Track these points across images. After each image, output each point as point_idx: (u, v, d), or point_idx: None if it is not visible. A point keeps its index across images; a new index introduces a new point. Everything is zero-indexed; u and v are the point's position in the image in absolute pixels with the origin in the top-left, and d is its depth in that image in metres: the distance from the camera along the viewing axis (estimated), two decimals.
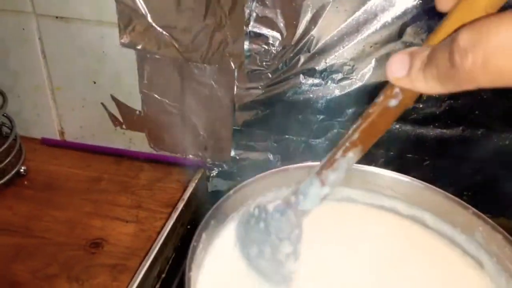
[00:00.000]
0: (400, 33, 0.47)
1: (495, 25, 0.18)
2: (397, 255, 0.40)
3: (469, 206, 0.38)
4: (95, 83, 0.61)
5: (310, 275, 0.38)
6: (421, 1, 0.46)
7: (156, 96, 0.59)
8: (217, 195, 0.54)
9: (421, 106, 0.50)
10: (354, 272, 0.38)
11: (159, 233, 0.51)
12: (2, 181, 0.57)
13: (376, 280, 0.38)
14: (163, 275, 0.50)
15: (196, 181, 0.60)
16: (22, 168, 0.60)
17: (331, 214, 0.42)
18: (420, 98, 0.50)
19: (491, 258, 0.37)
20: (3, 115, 0.60)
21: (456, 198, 0.39)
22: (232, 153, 0.61)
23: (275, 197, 0.43)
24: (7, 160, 0.57)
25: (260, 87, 0.55)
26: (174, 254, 0.53)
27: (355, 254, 0.40)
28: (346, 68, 0.50)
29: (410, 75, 0.23)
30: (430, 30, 0.47)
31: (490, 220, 0.37)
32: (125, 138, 0.64)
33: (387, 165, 0.53)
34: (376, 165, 0.53)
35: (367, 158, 0.54)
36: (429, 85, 0.22)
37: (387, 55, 0.49)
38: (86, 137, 0.66)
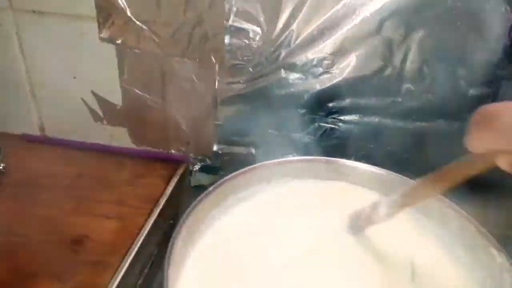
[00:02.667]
0: (378, 28, 0.48)
1: None
2: (371, 245, 0.41)
3: (444, 198, 0.39)
4: (75, 78, 0.60)
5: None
6: None
7: (137, 91, 0.59)
8: (200, 189, 0.54)
9: (400, 100, 0.51)
10: (331, 261, 0.39)
11: (141, 229, 0.51)
12: None
13: (354, 271, 0.38)
14: (146, 271, 0.50)
15: (179, 176, 0.60)
16: (1, 165, 0.59)
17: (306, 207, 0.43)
18: (399, 92, 0.50)
19: (465, 249, 0.37)
20: None
21: None
22: (215, 148, 0.61)
23: (255, 191, 0.44)
24: None
25: (241, 82, 0.55)
26: (157, 249, 0.53)
27: (331, 246, 0.40)
28: (326, 62, 0.51)
29: None
30: (408, 25, 0.47)
31: (464, 212, 0.37)
32: (106, 133, 0.64)
33: (366, 158, 0.54)
34: (355, 158, 0.54)
35: (347, 151, 0.55)
36: None
37: (367, 50, 0.49)
38: (67, 133, 0.65)
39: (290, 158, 0.44)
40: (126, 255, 0.48)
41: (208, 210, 0.40)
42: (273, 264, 0.39)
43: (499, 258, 0.34)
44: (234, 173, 0.41)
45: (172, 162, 0.62)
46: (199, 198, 0.38)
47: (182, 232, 0.35)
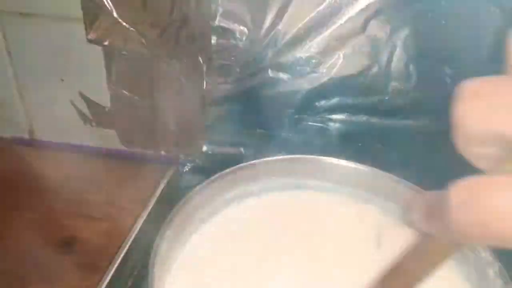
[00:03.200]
0: (364, 27, 0.48)
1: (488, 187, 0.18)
2: (358, 245, 0.41)
3: None
4: (63, 80, 0.60)
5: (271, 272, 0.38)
6: None
7: (125, 92, 0.58)
8: (190, 190, 0.54)
9: (387, 98, 0.51)
10: (314, 263, 0.39)
11: (130, 230, 0.51)
12: None
13: (337, 269, 0.38)
14: (135, 273, 0.50)
15: (169, 177, 0.60)
16: None
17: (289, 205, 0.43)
18: (385, 90, 0.51)
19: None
20: None
21: (418, 188, 0.40)
22: (205, 148, 0.61)
23: (243, 191, 0.44)
24: None
25: (229, 82, 0.55)
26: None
27: (316, 245, 0.40)
28: (313, 62, 0.51)
29: None
30: (393, 24, 0.47)
31: None
32: (96, 135, 0.64)
33: (355, 156, 0.54)
34: (344, 156, 0.55)
35: (336, 150, 0.55)
36: None
37: (353, 49, 0.49)
38: (56, 135, 0.65)
39: (277, 157, 0.43)
40: (115, 256, 0.48)
41: (195, 211, 0.40)
42: (263, 266, 0.39)
43: (483, 253, 0.34)
44: (219, 173, 0.41)
45: (161, 164, 0.62)
46: (184, 198, 0.38)
47: (167, 234, 0.35)
